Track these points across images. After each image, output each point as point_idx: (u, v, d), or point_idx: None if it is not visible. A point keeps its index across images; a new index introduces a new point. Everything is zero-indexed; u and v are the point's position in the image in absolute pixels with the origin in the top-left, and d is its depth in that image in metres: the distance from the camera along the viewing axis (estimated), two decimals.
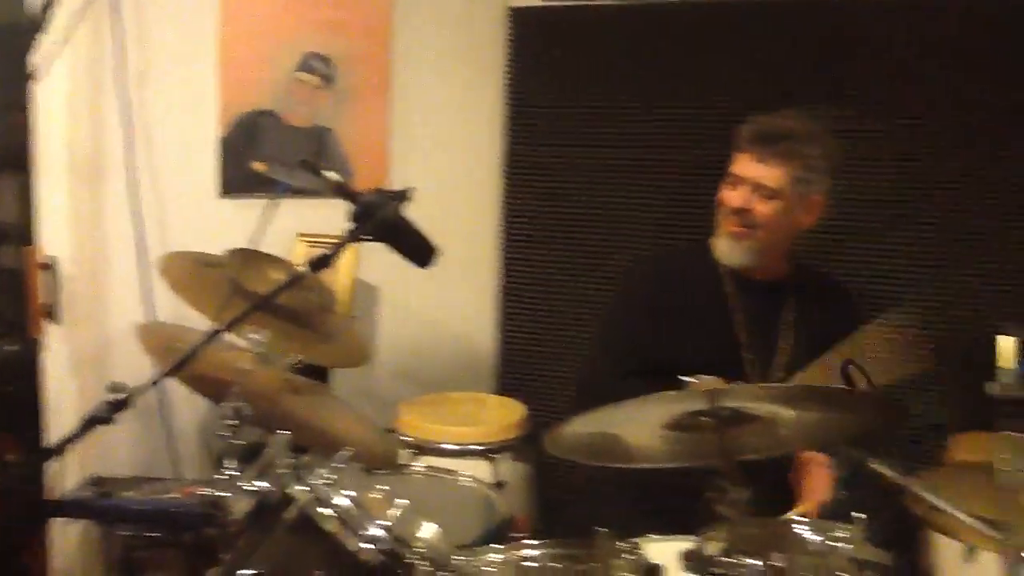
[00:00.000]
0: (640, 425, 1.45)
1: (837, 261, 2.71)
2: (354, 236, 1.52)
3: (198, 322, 2.30)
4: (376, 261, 2.79)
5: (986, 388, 1.52)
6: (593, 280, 3.02)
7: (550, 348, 3.10)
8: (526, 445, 2.66)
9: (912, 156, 2.71)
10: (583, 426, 1.41)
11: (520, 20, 3.03)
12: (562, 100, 3.02)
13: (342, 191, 1.54)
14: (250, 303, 1.60)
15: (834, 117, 2.63)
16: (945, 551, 2.35)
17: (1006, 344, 1.54)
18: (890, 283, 2.73)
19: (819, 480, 1.99)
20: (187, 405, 2.86)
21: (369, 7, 2.92)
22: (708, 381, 1.47)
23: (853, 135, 2.67)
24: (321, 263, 1.51)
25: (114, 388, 1.43)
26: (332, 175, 1.54)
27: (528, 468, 2.66)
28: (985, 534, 1.49)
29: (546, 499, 2.74)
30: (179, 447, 2.91)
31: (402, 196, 1.56)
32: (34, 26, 1.43)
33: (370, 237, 1.54)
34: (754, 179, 2.07)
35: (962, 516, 1.57)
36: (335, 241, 1.54)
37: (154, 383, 1.47)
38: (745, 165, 2.09)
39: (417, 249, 1.59)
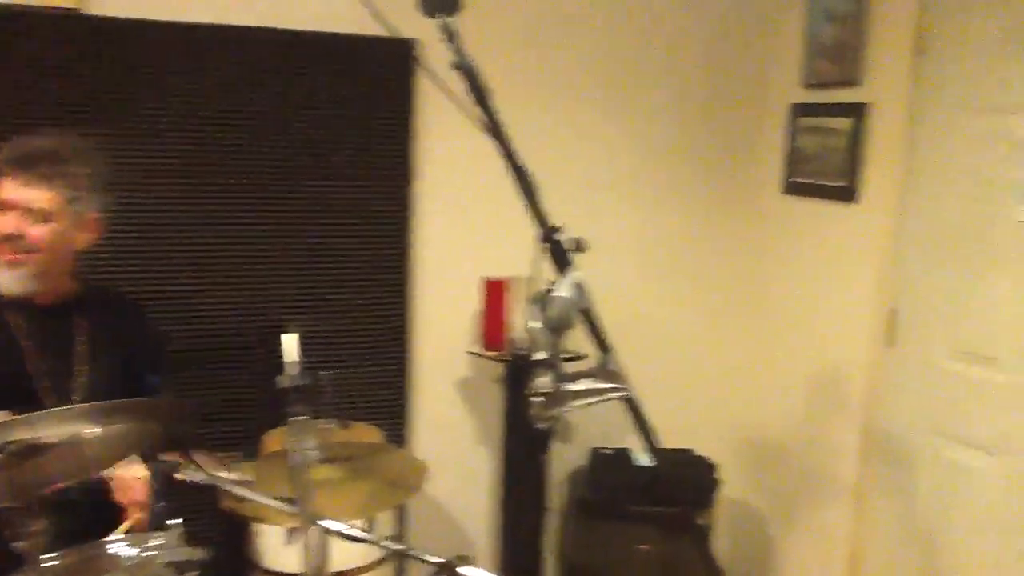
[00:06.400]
0: None
1: (127, 275, 2.78)
2: None
3: None
4: None
5: (276, 382, 1.69)
6: None
7: None
8: None
9: (194, 168, 2.88)
10: None
11: None
12: None
13: None
14: None
15: (110, 135, 2.69)
16: (269, 538, 2.56)
17: (289, 340, 1.73)
18: (186, 293, 2.89)
19: (136, 496, 1.99)
20: None
21: None
22: None
23: (137, 152, 2.76)
24: None
25: None
26: None
27: None
28: (285, 511, 1.66)
29: None
30: None
31: None
32: None
33: None
34: (23, 203, 1.99)
35: (264, 499, 1.72)
36: None
37: None
38: (11, 190, 1.99)
39: None
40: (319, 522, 1.68)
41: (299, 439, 1.63)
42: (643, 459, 3.27)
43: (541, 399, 1.50)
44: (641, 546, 3.06)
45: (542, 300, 1.49)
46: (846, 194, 3.08)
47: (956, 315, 2.76)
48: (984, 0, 2.66)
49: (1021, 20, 2.54)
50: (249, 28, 2.86)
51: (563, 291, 1.47)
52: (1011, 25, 2.57)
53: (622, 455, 3.33)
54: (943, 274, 2.80)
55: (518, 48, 3.21)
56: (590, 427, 3.37)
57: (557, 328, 1.49)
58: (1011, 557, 2.59)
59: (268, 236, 2.98)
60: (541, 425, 1.53)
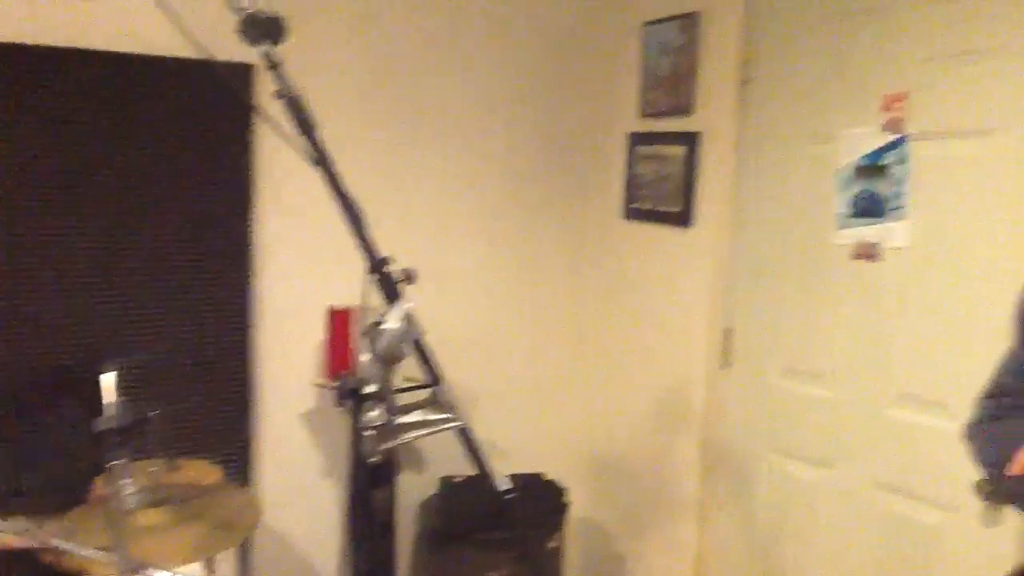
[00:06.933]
0: None
1: None
2: None
3: None
4: None
5: (93, 425, 1.60)
6: None
7: None
8: None
9: None
10: None
11: None
12: None
13: None
14: None
15: None
16: None
17: (107, 379, 1.65)
18: None
19: None
20: None
21: None
22: None
23: None
24: None
25: None
26: None
27: None
28: (105, 561, 1.57)
29: None
30: None
31: None
32: None
33: None
34: None
35: (82, 551, 1.62)
36: None
37: None
38: None
39: None
40: (143, 570, 1.60)
41: (118, 484, 1.55)
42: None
43: (373, 432, 1.48)
44: (491, 573, 3.06)
45: (371, 332, 1.47)
46: (681, 219, 3.19)
47: (786, 335, 2.90)
48: (804, 32, 2.81)
49: (838, 52, 2.70)
50: (88, 51, 2.73)
51: (392, 323, 1.46)
52: (829, 57, 2.72)
53: (472, 482, 3.32)
54: (772, 296, 2.94)
55: (356, 78, 3.19)
56: (440, 455, 3.35)
57: (387, 360, 1.47)
58: (843, 564, 2.72)
59: (98, 263, 2.83)
60: (374, 459, 1.50)
